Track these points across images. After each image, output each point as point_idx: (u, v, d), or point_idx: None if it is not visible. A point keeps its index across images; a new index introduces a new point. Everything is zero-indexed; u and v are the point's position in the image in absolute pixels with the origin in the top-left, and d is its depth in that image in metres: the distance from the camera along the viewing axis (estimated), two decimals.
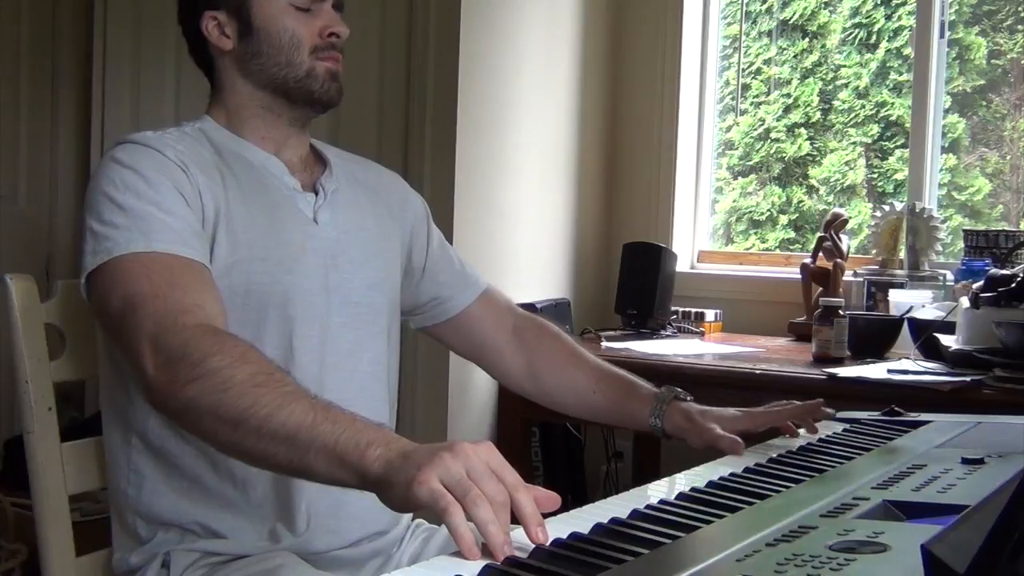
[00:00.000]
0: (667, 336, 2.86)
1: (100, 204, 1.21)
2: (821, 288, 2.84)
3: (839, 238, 2.87)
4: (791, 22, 3.29)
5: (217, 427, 1.04)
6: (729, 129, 3.38)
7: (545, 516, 0.90)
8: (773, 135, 3.31)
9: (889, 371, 2.17)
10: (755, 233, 3.35)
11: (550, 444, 2.97)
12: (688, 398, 1.47)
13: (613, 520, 0.91)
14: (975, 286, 2.25)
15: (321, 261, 1.34)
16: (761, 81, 3.36)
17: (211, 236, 1.25)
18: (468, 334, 1.58)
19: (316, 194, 1.38)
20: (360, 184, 1.46)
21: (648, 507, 0.97)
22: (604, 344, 2.68)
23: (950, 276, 2.69)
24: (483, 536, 0.84)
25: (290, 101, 1.36)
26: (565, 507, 0.96)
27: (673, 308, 2.98)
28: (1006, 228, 2.80)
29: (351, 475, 0.95)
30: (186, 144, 1.30)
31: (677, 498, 1.02)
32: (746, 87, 3.37)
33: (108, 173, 1.24)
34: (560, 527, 0.89)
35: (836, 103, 3.24)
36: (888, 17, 3.15)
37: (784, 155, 3.30)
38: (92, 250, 1.19)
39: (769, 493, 1.04)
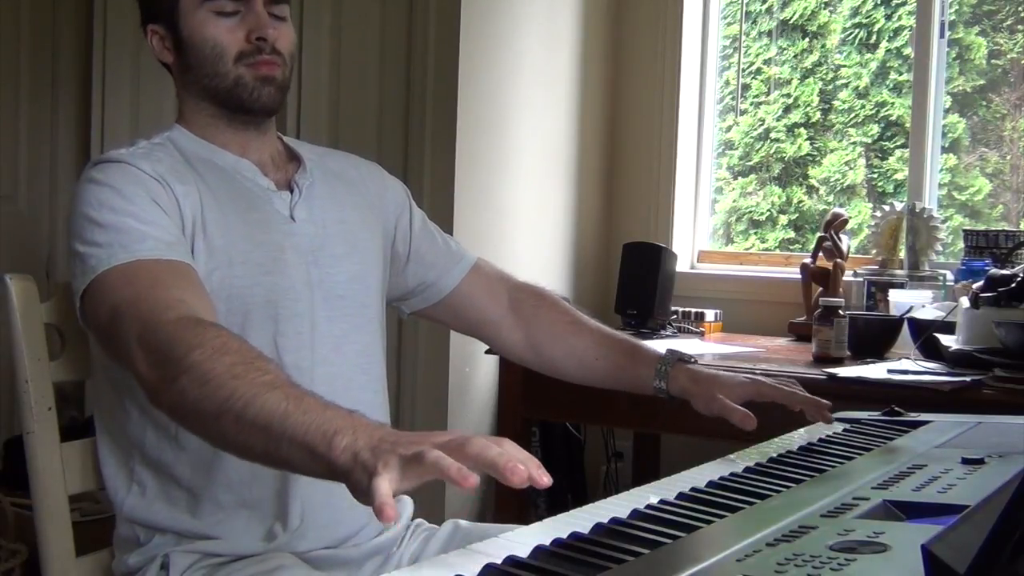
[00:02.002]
0: (667, 336, 2.86)
1: (80, 226, 1.22)
2: (821, 288, 2.84)
3: (839, 238, 2.87)
4: (791, 22, 3.29)
5: (203, 421, 1.04)
6: (729, 129, 3.38)
7: (545, 517, 0.90)
8: (773, 135, 3.31)
9: (889, 371, 2.17)
10: (755, 233, 3.35)
11: (550, 444, 2.97)
12: (693, 360, 1.46)
13: (613, 520, 0.91)
14: (975, 286, 2.25)
15: (301, 258, 1.34)
16: (761, 81, 3.36)
17: (189, 246, 1.25)
18: (462, 312, 1.57)
19: (291, 192, 1.37)
20: (336, 177, 1.46)
21: (648, 507, 0.96)
22: None
23: (950, 276, 2.69)
24: (486, 466, 0.81)
25: (229, 110, 1.35)
26: (565, 507, 0.96)
27: (673, 308, 2.97)
28: (1006, 228, 2.80)
29: (321, 466, 0.92)
30: (158, 155, 1.31)
31: (677, 498, 1.01)
32: (746, 87, 3.37)
33: (84, 194, 1.24)
34: (560, 527, 0.89)
35: (836, 103, 3.24)
36: (888, 17, 3.15)
37: (784, 155, 3.30)
38: (79, 272, 1.20)
39: (769, 493, 1.04)
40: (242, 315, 1.28)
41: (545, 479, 0.81)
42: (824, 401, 1.35)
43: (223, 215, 1.29)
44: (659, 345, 2.65)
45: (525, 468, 0.79)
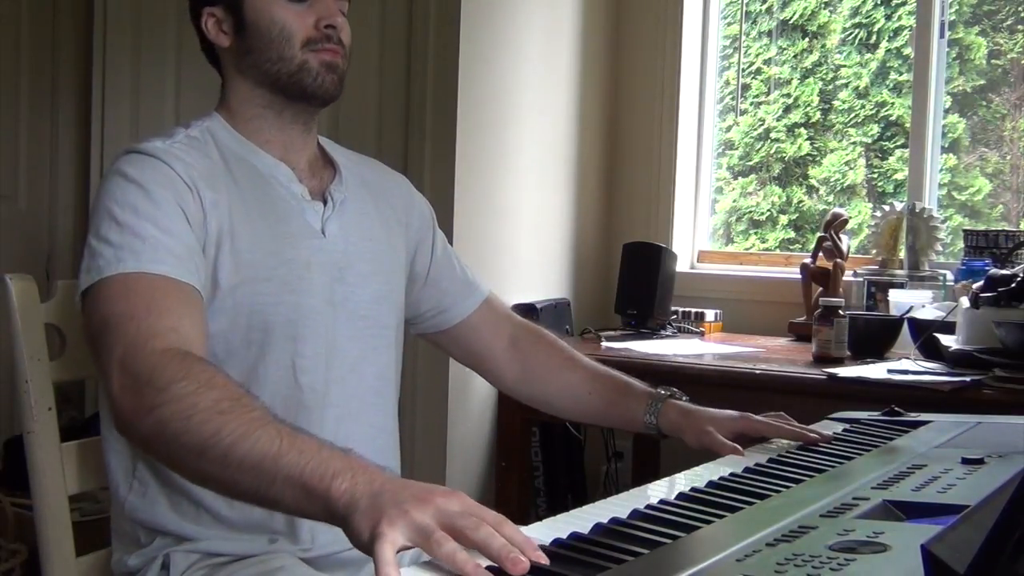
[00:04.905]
0: (667, 336, 2.86)
1: (100, 219, 1.20)
2: (821, 288, 2.84)
3: (839, 238, 2.87)
4: (791, 22, 3.29)
5: (182, 455, 1.02)
6: (729, 129, 3.38)
7: (545, 517, 0.89)
8: (773, 135, 3.31)
9: (889, 371, 2.17)
10: (755, 233, 3.35)
11: (550, 444, 2.97)
12: (684, 397, 1.47)
13: (613, 520, 0.91)
14: (975, 286, 2.25)
15: (327, 276, 1.32)
16: (761, 81, 3.36)
17: (214, 257, 1.24)
18: (467, 342, 1.57)
19: (324, 203, 1.36)
20: (368, 189, 1.44)
21: (648, 507, 0.97)
22: (604, 344, 2.68)
23: (950, 276, 2.69)
24: (489, 556, 0.82)
25: (287, 97, 1.33)
26: (565, 507, 0.96)
27: (673, 308, 2.98)
28: (1006, 228, 2.80)
29: (317, 507, 0.92)
30: (195, 155, 1.28)
31: (677, 498, 1.02)
32: (746, 87, 3.37)
33: (112, 187, 1.22)
34: (560, 527, 0.89)
35: (836, 103, 3.24)
36: (888, 17, 3.15)
37: (784, 155, 3.30)
38: (86, 267, 1.18)
39: (769, 493, 1.04)
40: (263, 332, 1.27)
41: (543, 559, 0.81)
42: (811, 435, 1.34)
43: (252, 227, 1.27)
44: (659, 346, 2.66)
45: (526, 560, 0.80)
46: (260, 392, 1.27)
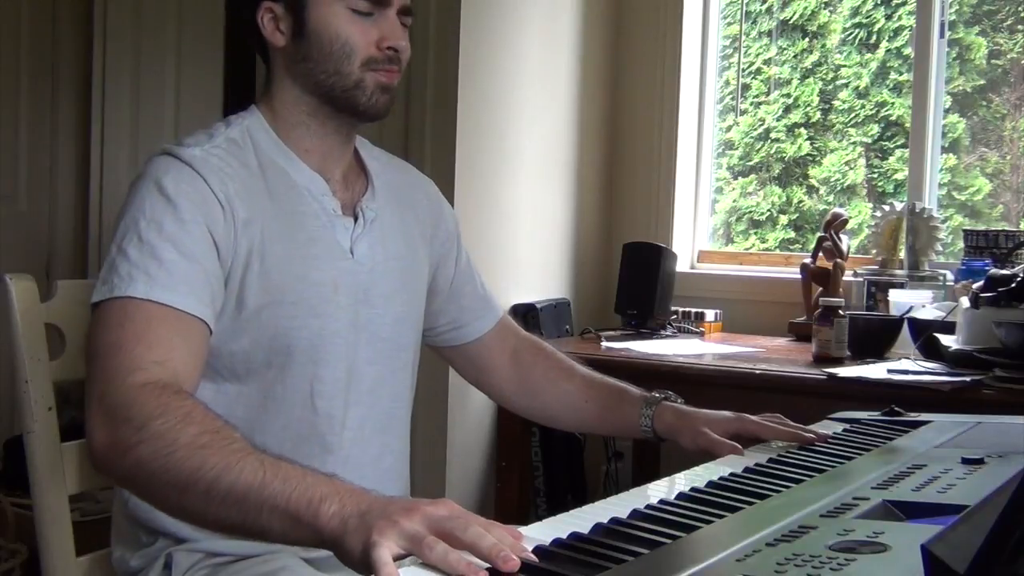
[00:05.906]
0: (667, 336, 2.86)
1: (126, 228, 1.19)
2: (821, 288, 2.84)
3: (839, 238, 2.87)
4: (791, 22, 3.29)
5: (165, 492, 1.02)
6: (729, 129, 3.38)
7: (545, 517, 0.89)
8: (773, 135, 3.31)
9: (889, 371, 2.17)
10: (755, 233, 3.35)
11: (550, 444, 2.97)
12: (679, 400, 1.47)
13: (613, 520, 0.91)
14: (975, 286, 2.25)
15: (352, 298, 1.31)
16: (761, 81, 3.36)
17: (241, 277, 1.23)
18: (475, 360, 1.58)
19: (355, 219, 1.35)
20: (397, 199, 1.43)
21: (648, 507, 0.97)
22: (604, 344, 2.68)
23: (950, 276, 2.69)
24: (483, 557, 0.82)
25: (335, 109, 1.31)
26: (565, 507, 0.96)
27: (673, 308, 2.98)
28: (1006, 228, 2.81)
29: (307, 534, 0.92)
30: (233, 163, 1.26)
31: (677, 498, 1.02)
32: (746, 87, 3.37)
33: (143, 194, 1.20)
34: (560, 527, 0.89)
35: (836, 103, 3.24)
36: (888, 17, 3.15)
37: (784, 155, 3.30)
38: (102, 279, 1.17)
39: (769, 493, 1.04)
40: (284, 355, 1.26)
41: (532, 558, 0.82)
42: (807, 435, 1.33)
43: (282, 246, 1.26)
44: (659, 346, 2.66)
45: (516, 558, 0.81)
46: (276, 412, 1.27)
